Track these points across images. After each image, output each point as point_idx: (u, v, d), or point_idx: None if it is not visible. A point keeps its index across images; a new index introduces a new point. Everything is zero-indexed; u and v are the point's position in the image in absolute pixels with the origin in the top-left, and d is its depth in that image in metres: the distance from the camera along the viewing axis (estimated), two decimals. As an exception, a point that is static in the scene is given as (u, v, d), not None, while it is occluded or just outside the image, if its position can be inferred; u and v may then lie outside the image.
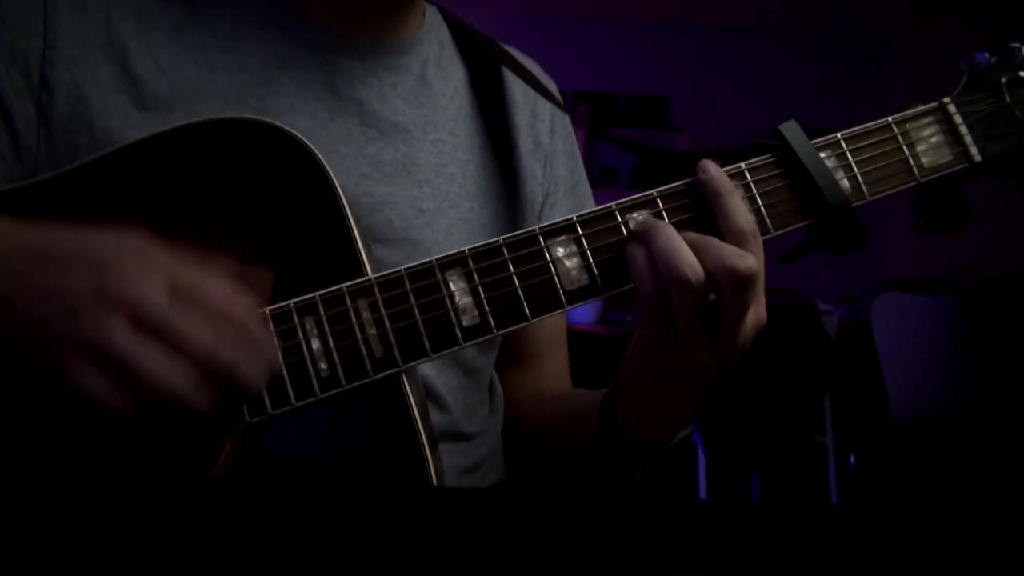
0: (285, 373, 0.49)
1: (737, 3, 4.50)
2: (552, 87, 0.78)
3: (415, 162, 0.66)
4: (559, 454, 0.73)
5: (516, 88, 0.75)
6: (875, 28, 4.79)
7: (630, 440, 0.61)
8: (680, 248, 0.50)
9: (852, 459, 2.55)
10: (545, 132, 0.76)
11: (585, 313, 2.56)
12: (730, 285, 0.49)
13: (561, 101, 0.75)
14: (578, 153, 0.81)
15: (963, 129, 0.60)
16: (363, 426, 0.51)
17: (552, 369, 0.80)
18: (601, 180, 4.59)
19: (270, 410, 0.48)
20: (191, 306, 0.44)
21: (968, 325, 1.86)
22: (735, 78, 4.84)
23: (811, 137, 0.57)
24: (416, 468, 0.50)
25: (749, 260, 0.50)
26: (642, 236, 0.52)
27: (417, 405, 0.51)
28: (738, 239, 0.51)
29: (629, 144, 0.67)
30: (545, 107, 0.77)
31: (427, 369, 0.65)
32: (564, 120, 0.79)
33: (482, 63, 0.75)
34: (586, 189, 0.80)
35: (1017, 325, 1.75)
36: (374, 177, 0.64)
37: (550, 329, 0.79)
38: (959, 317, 1.87)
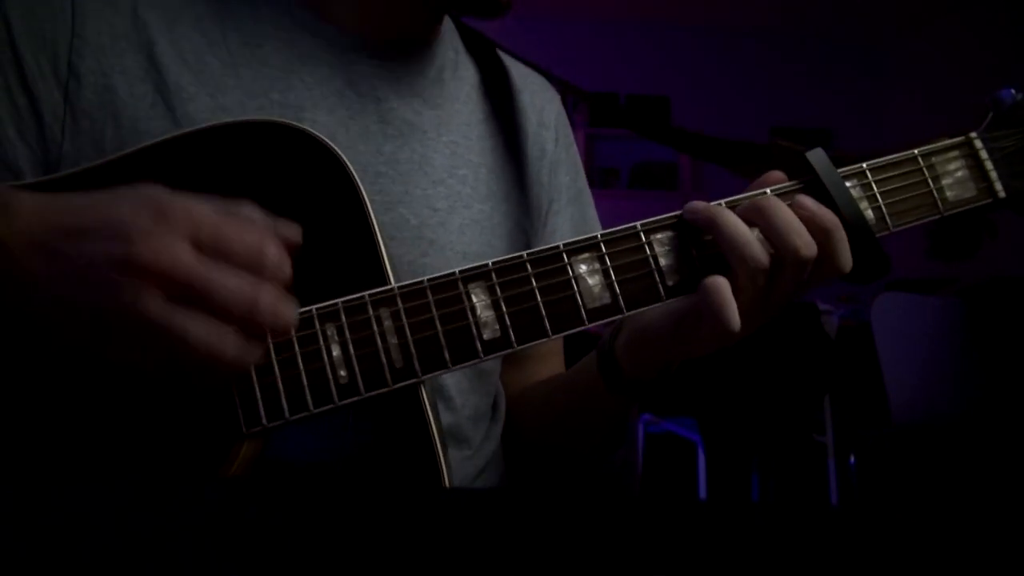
0: (304, 379, 0.49)
1: (737, 3, 4.50)
2: (555, 96, 0.80)
3: (430, 162, 0.67)
4: (556, 418, 0.74)
5: (523, 96, 0.77)
6: (875, 28, 4.79)
7: (629, 379, 0.62)
8: (799, 226, 0.51)
9: (852, 459, 2.55)
10: (550, 141, 0.78)
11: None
12: (793, 264, 0.52)
13: (560, 106, 0.77)
14: (580, 163, 0.83)
15: (988, 164, 0.59)
16: (376, 429, 0.51)
17: (549, 370, 0.81)
18: (601, 180, 4.58)
19: (287, 415, 0.48)
20: (220, 258, 0.43)
21: (968, 325, 1.86)
22: (735, 78, 4.84)
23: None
24: (428, 470, 0.50)
25: (812, 248, 0.52)
26: (758, 213, 0.52)
27: (431, 406, 0.51)
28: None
29: (680, 141, 0.66)
30: (550, 116, 0.79)
31: None
32: (567, 130, 0.81)
33: (491, 69, 0.76)
34: (588, 198, 0.82)
35: (1017, 325, 1.75)
36: (390, 175, 0.65)
37: None
38: (959, 317, 1.87)
